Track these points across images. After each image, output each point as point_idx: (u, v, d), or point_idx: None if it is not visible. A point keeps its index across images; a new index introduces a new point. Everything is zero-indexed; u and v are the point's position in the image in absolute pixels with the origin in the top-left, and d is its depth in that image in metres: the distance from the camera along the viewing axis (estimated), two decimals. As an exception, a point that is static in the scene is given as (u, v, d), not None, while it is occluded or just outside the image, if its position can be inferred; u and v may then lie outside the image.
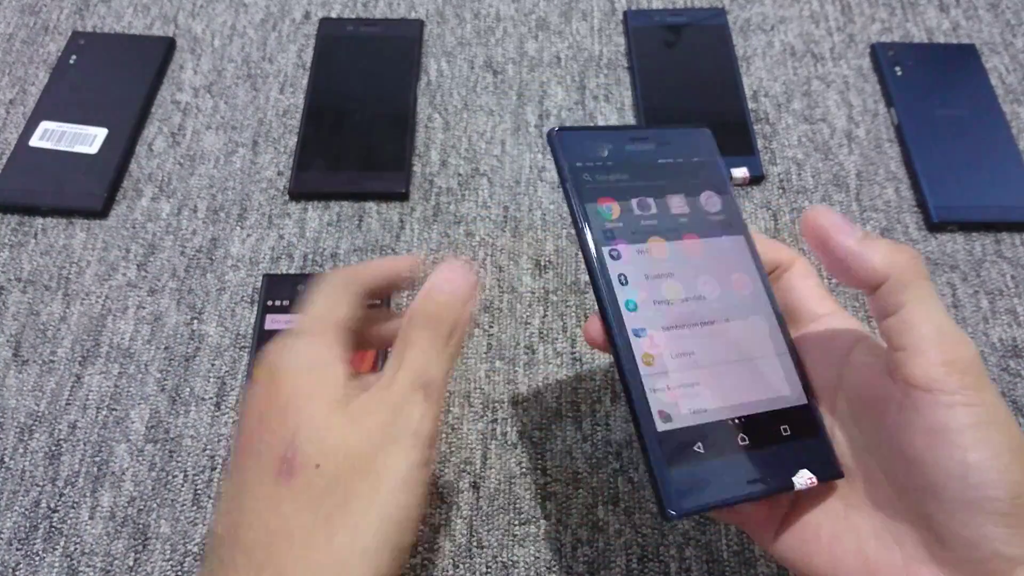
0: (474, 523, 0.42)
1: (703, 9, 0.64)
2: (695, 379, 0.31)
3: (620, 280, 0.32)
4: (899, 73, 0.59)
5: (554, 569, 0.41)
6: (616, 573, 0.41)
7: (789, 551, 0.30)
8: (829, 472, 0.30)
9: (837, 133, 0.58)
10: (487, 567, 0.41)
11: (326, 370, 0.30)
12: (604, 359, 0.47)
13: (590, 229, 0.32)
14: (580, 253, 0.32)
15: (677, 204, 0.34)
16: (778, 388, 0.31)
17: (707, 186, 0.35)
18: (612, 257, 0.32)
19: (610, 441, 0.45)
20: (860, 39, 0.63)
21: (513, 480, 0.43)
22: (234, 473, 0.30)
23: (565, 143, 0.33)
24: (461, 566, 0.41)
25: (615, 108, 0.58)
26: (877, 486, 0.29)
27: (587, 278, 0.50)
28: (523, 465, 0.44)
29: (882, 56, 0.60)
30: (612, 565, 0.41)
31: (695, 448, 0.30)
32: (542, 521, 0.42)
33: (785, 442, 0.31)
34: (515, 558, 0.41)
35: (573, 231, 0.33)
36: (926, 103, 0.58)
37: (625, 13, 0.63)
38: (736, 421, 0.30)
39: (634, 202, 0.33)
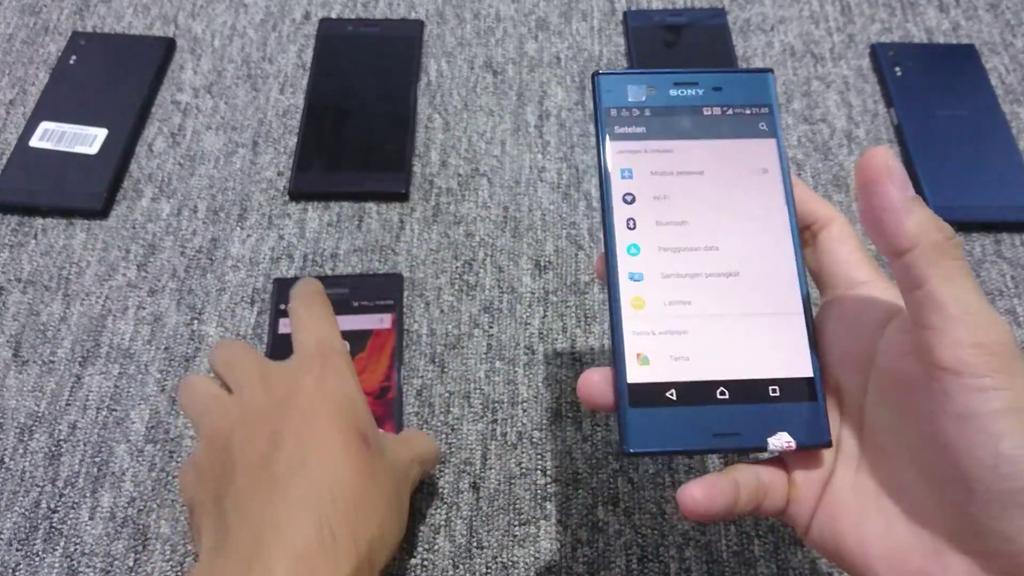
0: (474, 523, 0.42)
1: (703, 9, 0.64)
2: (685, 328, 0.30)
3: (628, 224, 0.31)
4: (899, 73, 0.59)
5: (554, 569, 0.41)
6: (616, 573, 0.41)
7: (820, 537, 0.30)
8: (814, 439, 0.29)
9: (837, 133, 0.58)
10: (487, 567, 0.41)
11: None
12: (604, 359, 0.47)
13: (609, 164, 0.32)
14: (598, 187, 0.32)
15: (709, 149, 0.33)
16: (780, 352, 0.31)
17: (753, 133, 0.33)
18: (625, 201, 0.32)
19: (610, 441, 0.45)
20: (860, 39, 0.63)
21: (513, 480, 0.43)
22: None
23: (604, 86, 0.33)
24: (461, 566, 0.41)
25: (615, 108, 0.58)
26: (907, 470, 0.28)
27: (587, 278, 0.50)
28: (523, 465, 0.44)
29: (882, 56, 0.60)
30: (612, 565, 0.41)
31: (667, 394, 0.30)
32: (542, 521, 0.42)
33: (770, 402, 0.30)
34: (515, 558, 0.41)
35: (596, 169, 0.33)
36: (926, 103, 0.58)
37: (625, 13, 0.63)
38: (720, 377, 0.30)
39: (666, 147, 0.33)
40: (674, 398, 0.30)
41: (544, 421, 0.45)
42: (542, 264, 0.51)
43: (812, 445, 0.30)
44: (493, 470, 0.44)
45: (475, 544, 0.42)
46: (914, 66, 0.60)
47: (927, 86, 0.58)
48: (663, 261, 0.31)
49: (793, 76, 0.61)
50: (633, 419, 0.29)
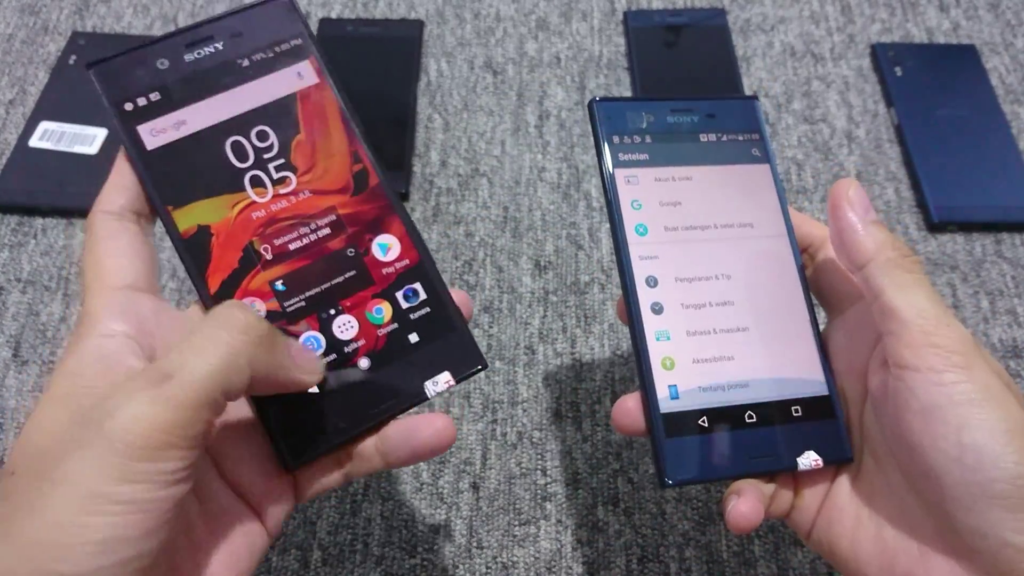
0: (474, 523, 0.42)
1: (703, 9, 0.64)
2: (708, 355, 0.31)
3: (644, 255, 0.32)
4: (899, 73, 0.59)
5: (554, 569, 0.41)
6: (616, 573, 0.41)
7: (819, 541, 0.31)
8: (837, 455, 0.30)
9: (837, 133, 0.58)
10: (487, 568, 0.41)
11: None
12: (604, 359, 0.47)
13: (619, 193, 0.33)
14: (611, 232, 0.33)
15: (714, 177, 0.34)
16: (797, 373, 0.32)
17: (747, 159, 0.34)
18: (638, 233, 0.32)
19: (610, 441, 0.45)
20: (860, 39, 0.63)
21: (513, 480, 0.43)
22: None
23: (604, 113, 0.33)
24: (461, 566, 0.41)
25: (615, 108, 0.58)
26: (894, 475, 0.29)
27: (587, 278, 0.50)
28: (523, 465, 0.44)
29: (882, 56, 0.60)
30: (612, 565, 0.41)
31: (699, 422, 0.30)
32: (542, 521, 0.42)
33: (795, 422, 0.31)
34: (515, 558, 0.41)
35: (605, 206, 0.34)
36: (926, 103, 0.58)
37: (625, 13, 0.63)
38: (746, 401, 0.31)
39: (670, 175, 0.33)
40: (706, 425, 0.30)
41: (544, 421, 0.45)
42: (542, 264, 0.51)
43: (836, 461, 0.31)
44: (493, 470, 0.44)
45: (475, 544, 0.42)
46: (914, 66, 0.60)
47: (927, 86, 0.58)
48: (681, 292, 0.32)
49: (793, 76, 0.61)
50: (670, 449, 0.30)
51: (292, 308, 0.30)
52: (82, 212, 0.52)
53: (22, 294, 0.50)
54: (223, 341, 0.24)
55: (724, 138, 0.34)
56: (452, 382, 0.30)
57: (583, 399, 0.46)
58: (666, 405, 0.30)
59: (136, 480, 0.22)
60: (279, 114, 0.31)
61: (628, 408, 0.31)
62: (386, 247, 0.31)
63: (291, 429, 0.29)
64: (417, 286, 0.31)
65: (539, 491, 0.43)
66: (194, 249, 0.30)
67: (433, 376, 0.30)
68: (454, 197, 0.54)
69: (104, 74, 0.30)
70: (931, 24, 0.64)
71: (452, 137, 0.57)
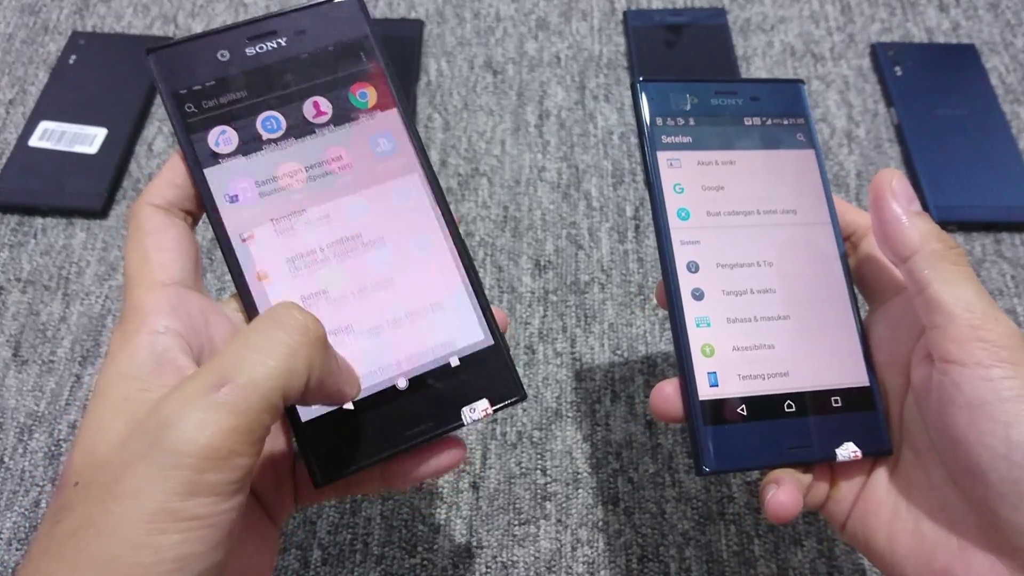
0: (474, 523, 0.42)
1: (703, 9, 0.64)
2: (749, 343, 0.31)
3: (685, 240, 0.32)
4: (899, 73, 0.59)
5: (554, 569, 0.41)
6: (616, 573, 0.41)
7: (854, 533, 0.30)
8: (876, 447, 0.30)
9: (837, 133, 0.58)
10: (487, 567, 0.41)
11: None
12: (604, 359, 0.47)
13: (661, 176, 0.32)
14: (652, 221, 0.32)
15: (757, 162, 0.33)
16: (838, 363, 0.31)
17: (792, 144, 0.34)
18: (680, 217, 0.32)
19: (610, 441, 0.45)
20: (860, 39, 0.63)
21: (513, 480, 0.43)
22: None
23: (648, 94, 0.33)
24: (461, 566, 0.41)
25: (615, 108, 0.58)
26: (935, 469, 0.28)
27: (587, 278, 0.50)
28: (523, 465, 0.44)
29: (882, 56, 0.60)
30: (612, 565, 0.41)
31: (738, 410, 0.30)
32: (542, 521, 0.42)
33: (834, 413, 0.30)
34: (515, 558, 0.41)
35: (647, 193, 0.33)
36: (926, 103, 0.58)
37: (625, 13, 0.63)
38: (786, 390, 0.31)
39: (713, 159, 0.33)
40: (745, 414, 0.30)
41: (544, 421, 0.45)
42: (542, 264, 0.51)
43: (875, 453, 0.30)
44: (493, 470, 0.44)
45: (475, 544, 0.42)
46: (914, 66, 0.60)
47: (927, 86, 0.58)
48: (722, 278, 0.32)
49: (793, 75, 0.61)
50: (709, 437, 0.30)
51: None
52: (82, 212, 0.52)
53: (22, 294, 0.50)
54: (282, 341, 0.23)
55: (769, 122, 0.33)
56: (489, 410, 0.29)
57: (583, 399, 0.46)
58: (705, 392, 0.30)
59: (202, 493, 0.21)
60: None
61: (666, 394, 0.31)
62: None
63: (325, 445, 0.28)
64: None
65: (539, 491, 0.43)
66: (244, 252, 0.29)
67: (471, 403, 0.29)
68: (454, 197, 0.54)
69: (162, 61, 0.29)
70: (931, 24, 0.64)
71: (452, 137, 0.57)
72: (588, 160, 0.56)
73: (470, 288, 0.30)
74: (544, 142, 0.56)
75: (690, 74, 0.60)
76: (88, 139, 0.55)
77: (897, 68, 0.60)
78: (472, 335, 0.30)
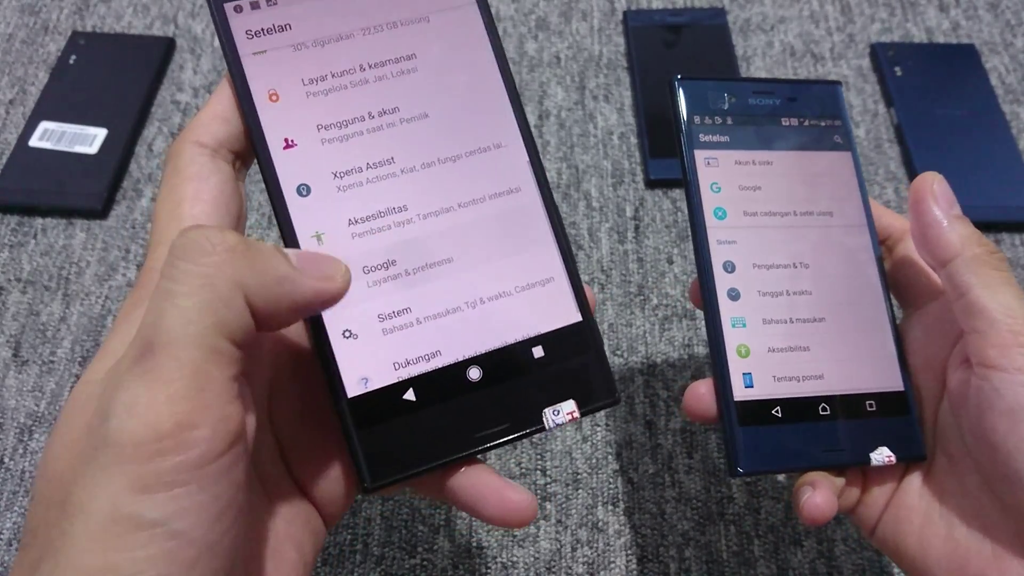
0: (474, 523, 0.42)
1: (703, 9, 0.64)
2: (784, 344, 0.31)
3: (721, 240, 0.31)
4: (899, 73, 0.59)
5: (554, 570, 0.41)
6: (616, 573, 0.41)
7: (884, 537, 0.30)
8: (910, 452, 0.30)
9: (837, 133, 0.58)
10: (487, 568, 0.41)
11: None
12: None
13: (699, 175, 0.32)
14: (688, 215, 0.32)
15: (795, 163, 0.33)
16: (873, 367, 0.31)
17: (829, 146, 0.33)
18: (717, 217, 0.32)
19: (610, 441, 0.45)
20: (860, 39, 0.63)
21: (513, 480, 0.43)
22: None
23: (685, 92, 0.33)
24: (461, 566, 0.41)
25: (615, 108, 0.58)
26: (971, 475, 0.28)
27: (586, 278, 0.50)
28: (523, 465, 0.44)
29: (882, 56, 0.60)
30: (612, 565, 0.41)
31: (773, 412, 0.30)
32: (542, 521, 0.42)
33: (868, 417, 0.30)
34: (515, 558, 0.41)
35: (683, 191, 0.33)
36: (926, 103, 0.58)
37: (625, 13, 0.63)
38: (821, 393, 0.30)
39: (750, 159, 0.33)
40: (779, 416, 0.30)
41: (544, 421, 0.45)
42: (542, 264, 0.51)
43: (909, 458, 0.30)
44: (493, 470, 0.44)
45: (475, 544, 0.42)
46: (914, 66, 0.60)
47: (927, 86, 0.58)
48: (758, 278, 0.31)
49: (793, 76, 0.60)
50: (744, 438, 0.29)
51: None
52: (82, 212, 0.52)
53: (22, 294, 0.50)
54: (191, 273, 0.18)
55: (806, 123, 0.33)
56: (576, 414, 0.25)
57: (583, 399, 0.46)
58: (740, 393, 0.30)
59: (157, 487, 0.17)
60: None
61: (700, 394, 0.30)
62: None
63: (376, 442, 0.24)
64: None
65: (539, 491, 0.43)
66: (296, 203, 0.24)
67: (555, 403, 0.25)
68: (454, 197, 0.54)
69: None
70: (931, 24, 0.64)
71: (452, 137, 0.57)
72: (588, 160, 0.55)
73: (563, 264, 0.26)
74: (544, 142, 0.56)
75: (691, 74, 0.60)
76: (88, 139, 0.55)
77: (897, 68, 0.60)
78: (562, 316, 0.25)
